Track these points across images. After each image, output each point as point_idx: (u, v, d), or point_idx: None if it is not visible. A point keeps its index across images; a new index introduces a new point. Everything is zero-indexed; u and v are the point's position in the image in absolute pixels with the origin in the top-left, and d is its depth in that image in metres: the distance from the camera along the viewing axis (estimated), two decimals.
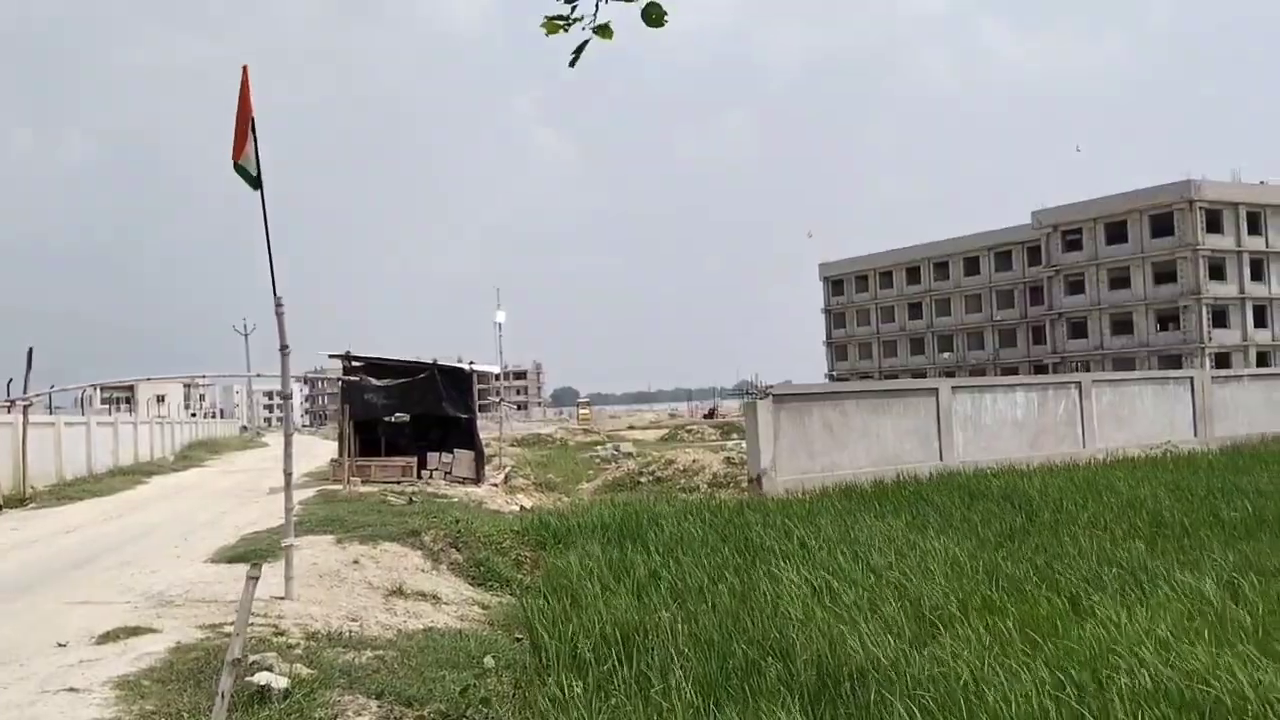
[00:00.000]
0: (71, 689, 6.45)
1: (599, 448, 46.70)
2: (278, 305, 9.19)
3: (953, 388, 21.52)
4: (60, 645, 7.79)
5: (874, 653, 7.01)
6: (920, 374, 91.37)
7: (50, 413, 29.97)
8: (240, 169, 9.25)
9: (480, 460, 26.36)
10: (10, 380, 23.44)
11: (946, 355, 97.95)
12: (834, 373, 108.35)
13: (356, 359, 26.76)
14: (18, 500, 22.62)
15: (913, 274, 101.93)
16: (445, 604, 10.46)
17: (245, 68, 9.02)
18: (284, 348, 9.35)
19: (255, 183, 9.26)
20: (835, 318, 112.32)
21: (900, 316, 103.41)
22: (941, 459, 20.22)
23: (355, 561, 11.82)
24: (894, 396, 20.95)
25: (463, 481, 24.87)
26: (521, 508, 21.47)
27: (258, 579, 4.77)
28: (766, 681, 6.75)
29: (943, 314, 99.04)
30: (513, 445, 46.98)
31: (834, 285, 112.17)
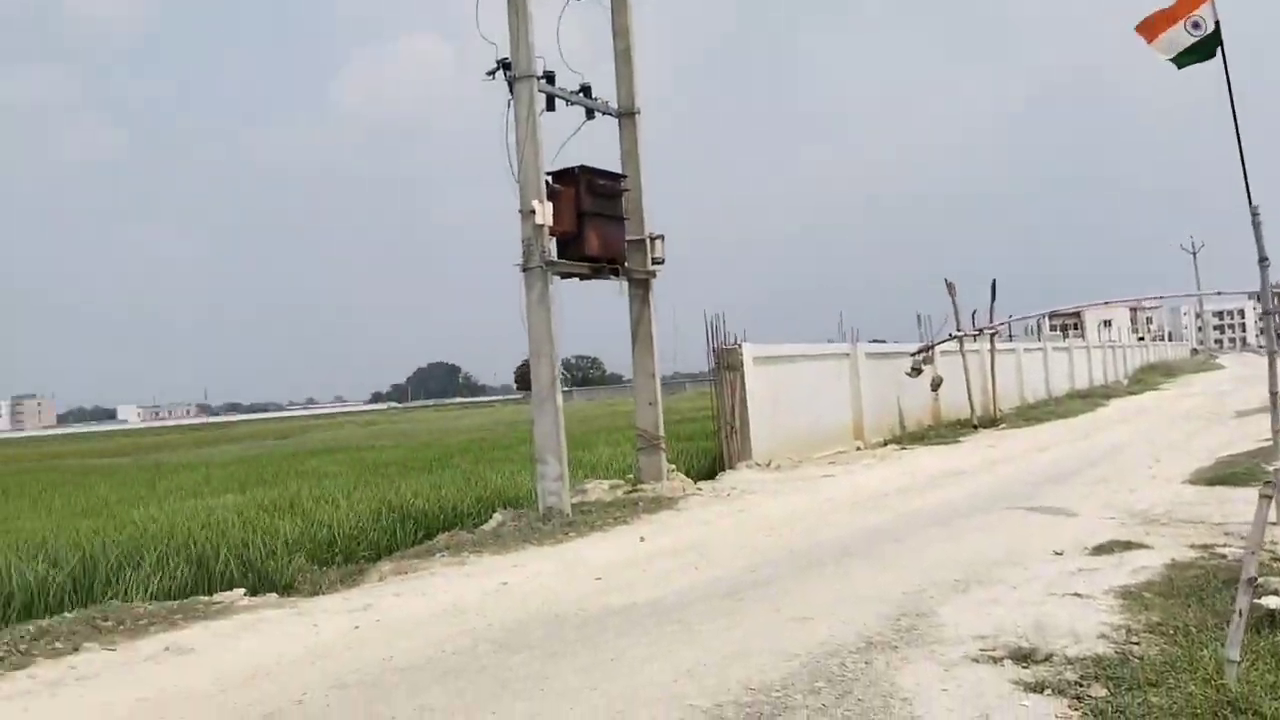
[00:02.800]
0: (1076, 594, 6.97)
1: None
2: (1254, 214, 8.68)
3: None
4: (1056, 554, 8.45)
5: None
6: None
7: (1009, 340, 32.17)
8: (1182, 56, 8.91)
9: None
10: (975, 311, 25.77)
11: None
12: None
13: None
14: (989, 421, 24.88)
15: None
16: None
17: None
18: (1263, 260, 8.79)
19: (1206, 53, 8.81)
20: None
21: None
22: None
23: None
24: None
25: None
26: None
27: (1270, 498, 4.63)
28: None
29: None
30: None
31: None
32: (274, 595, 8.78)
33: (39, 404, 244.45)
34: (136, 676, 6.33)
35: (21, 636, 7.14)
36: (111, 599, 8.42)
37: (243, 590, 8.79)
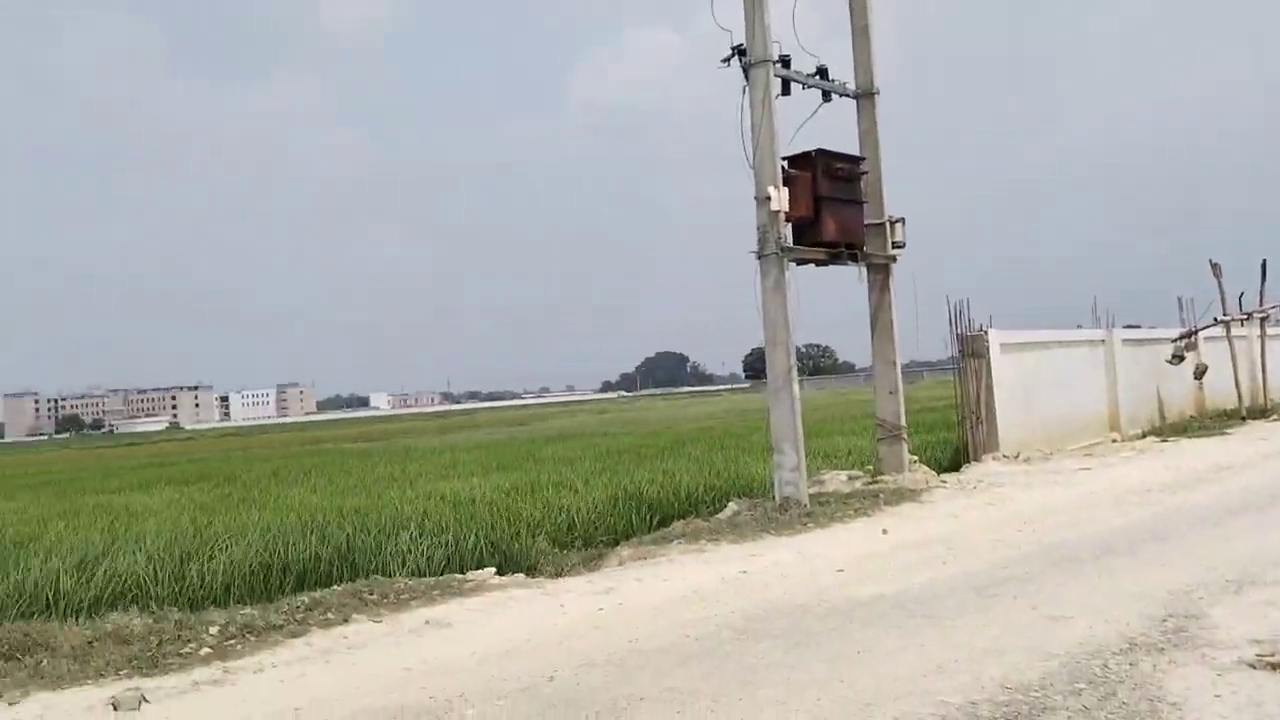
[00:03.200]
0: None
1: None
2: None
3: None
4: None
5: None
6: None
7: None
8: None
9: None
10: (1243, 293, 23.71)
11: None
12: None
13: None
14: (1259, 412, 22.89)
15: None
16: None
17: None
18: None
19: None
20: None
21: None
22: None
23: None
24: None
25: None
26: None
27: None
28: None
29: None
30: None
31: None
32: (521, 575, 9.10)
33: (301, 392, 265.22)
34: (401, 648, 6.70)
35: (298, 606, 7.70)
36: (374, 574, 8.95)
37: (493, 569, 9.15)
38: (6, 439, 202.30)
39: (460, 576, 8.81)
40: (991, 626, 6.32)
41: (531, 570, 9.52)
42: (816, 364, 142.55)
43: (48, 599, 8.54)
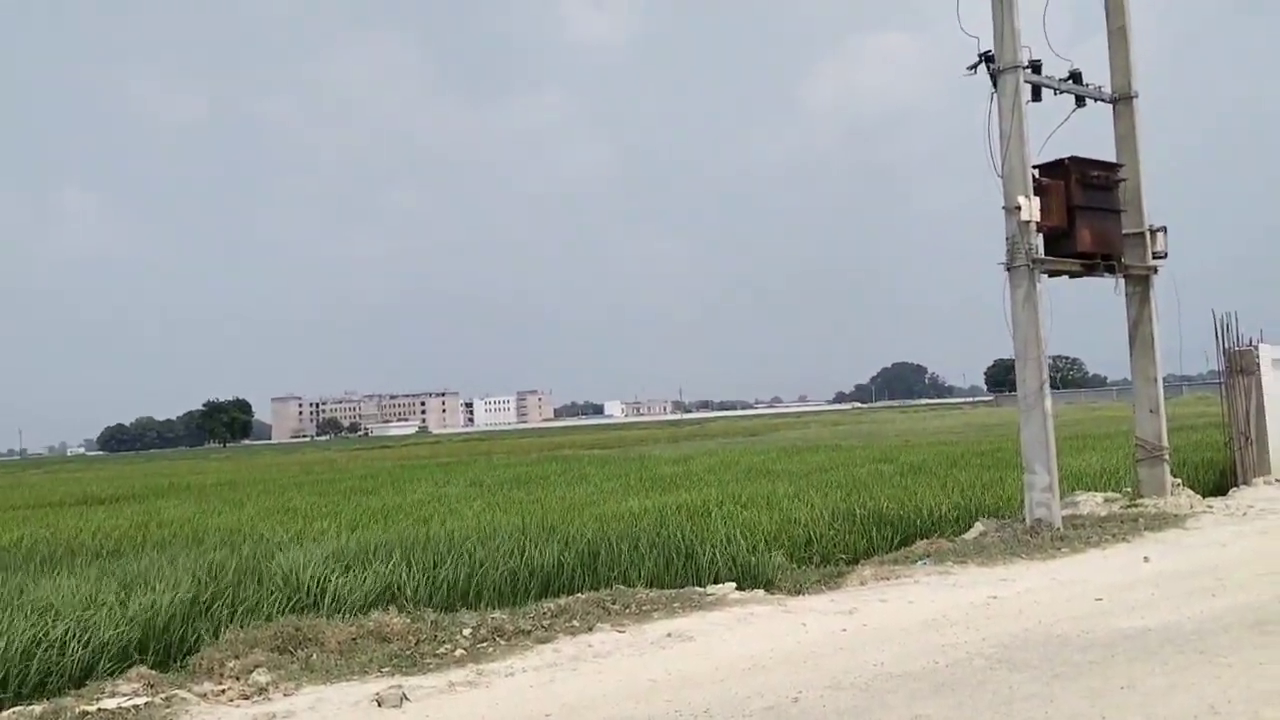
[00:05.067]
0: None
1: None
2: None
3: None
4: None
5: None
6: None
7: None
8: None
9: None
10: None
11: None
12: None
13: None
14: None
15: None
16: None
17: None
18: None
19: None
20: None
21: None
22: None
23: None
24: None
25: None
26: None
27: None
28: None
29: None
30: None
31: None
32: (760, 591, 9.09)
33: (539, 399, 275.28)
34: (645, 659, 6.83)
35: (544, 613, 7.98)
36: (616, 583, 9.17)
37: (733, 584, 9.19)
38: (273, 440, 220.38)
39: (700, 590, 8.89)
40: (1271, 666, 5.86)
41: (769, 586, 9.48)
42: (1065, 377, 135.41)
43: (315, 597, 9.16)
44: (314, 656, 7.13)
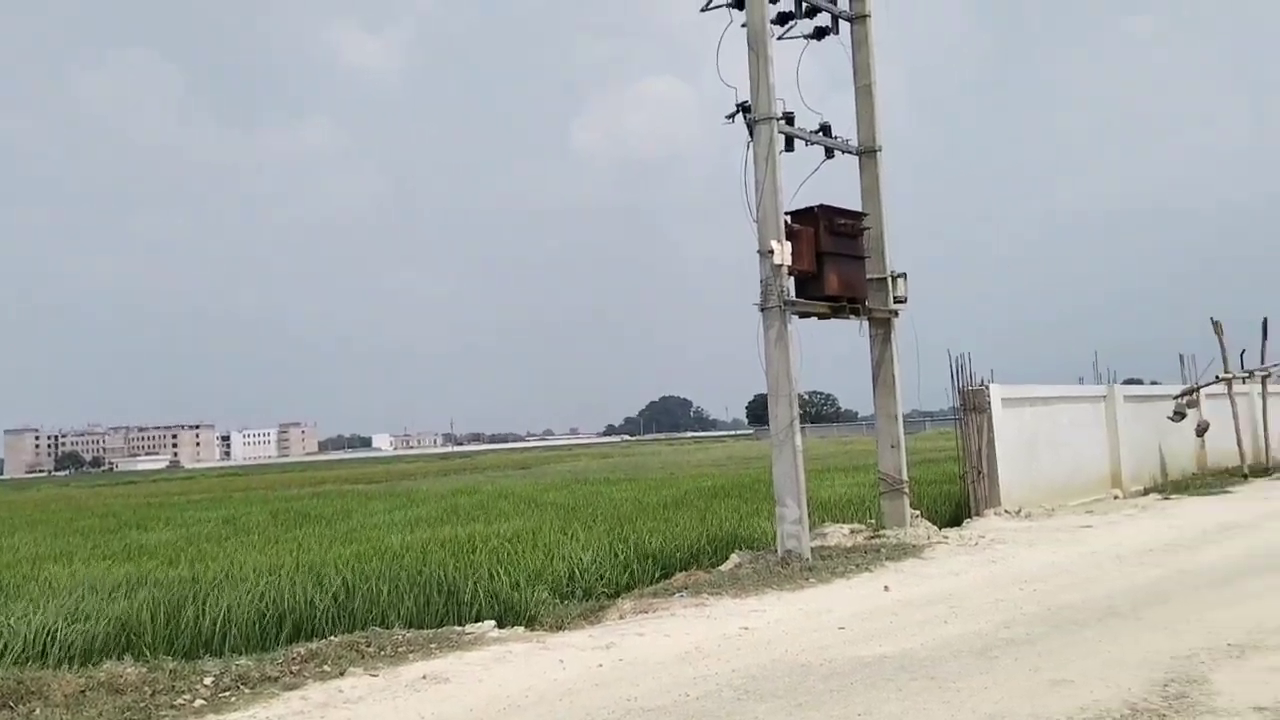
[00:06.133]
0: None
1: None
2: None
3: None
4: None
5: None
6: None
7: None
8: None
9: None
10: (1244, 351, 23.75)
11: None
12: None
13: None
14: (1261, 470, 22.86)
15: None
16: None
17: None
18: None
19: None
20: None
21: None
22: None
23: None
24: None
25: None
26: None
27: None
28: None
29: None
30: None
31: None
32: (521, 629, 9.05)
33: (303, 431, 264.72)
34: (397, 702, 6.65)
35: (294, 658, 7.65)
36: (372, 624, 8.91)
37: (493, 622, 9.11)
38: (6, 475, 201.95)
39: (459, 629, 8.77)
40: (994, 690, 6.28)
41: (532, 622, 9.47)
42: (819, 411, 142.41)
43: (43, 645, 8.48)
44: (38, 711, 6.58)
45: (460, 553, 12.52)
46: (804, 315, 12.82)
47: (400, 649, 7.94)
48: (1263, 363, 23.75)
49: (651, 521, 15.17)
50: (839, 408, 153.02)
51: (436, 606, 9.66)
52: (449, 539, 14.13)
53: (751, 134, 12.28)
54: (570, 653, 7.83)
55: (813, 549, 12.03)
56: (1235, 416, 22.81)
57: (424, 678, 7.20)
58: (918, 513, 14.56)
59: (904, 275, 14.15)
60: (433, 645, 8.06)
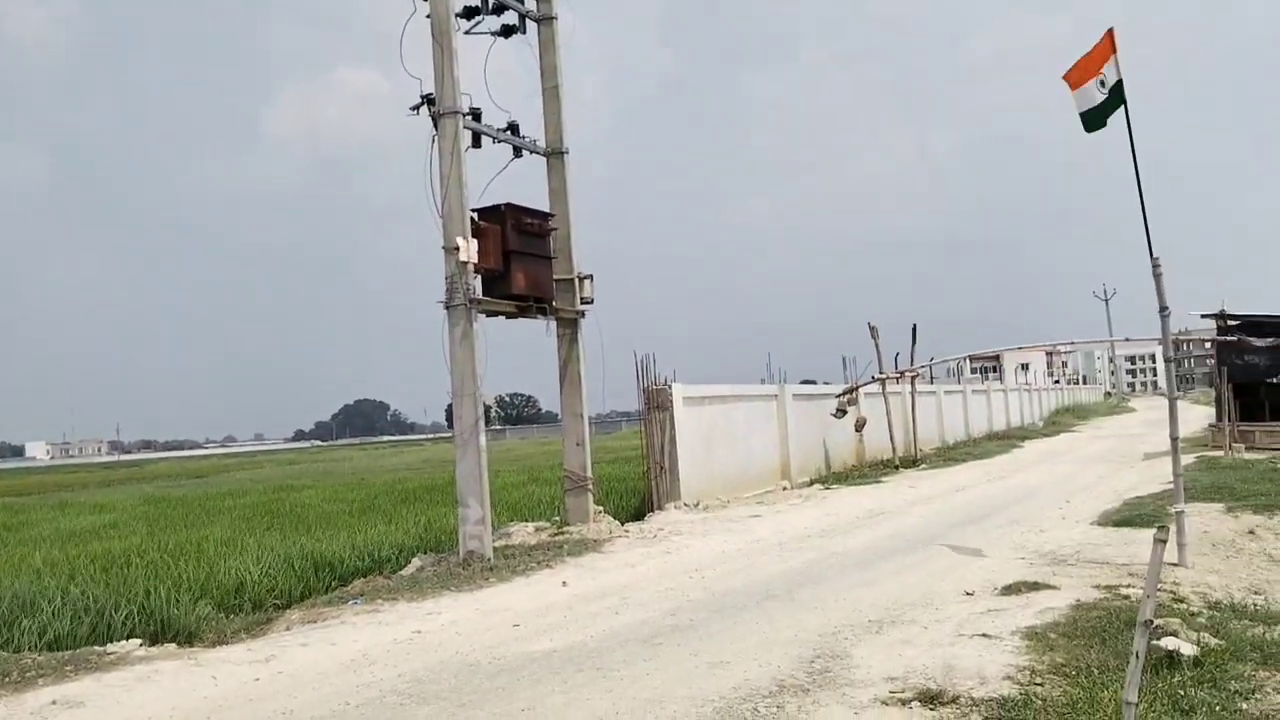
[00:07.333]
0: (984, 634, 7.06)
1: None
2: (1155, 266, 8.93)
3: None
4: (968, 594, 8.55)
5: None
6: None
7: (930, 382, 32.72)
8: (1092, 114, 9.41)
9: None
10: (898, 354, 26.18)
11: None
12: None
13: (1232, 318, 24.91)
14: (910, 461, 25.22)
15: None
16: None
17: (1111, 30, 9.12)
18: (1164, 309, 9.05)
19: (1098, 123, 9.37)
20: None
21: None
22: None
23: (1250, 532, 11.06)
24: None
25: None
26: None
27: (1165, 542, 4.71)
28: None
29: None
30: None
31: None
32: (173, 645, 8.47)
33: None
34: None
35: None
36: (3, 649, 8.06)
37: (139, 640, 8.46)
38: None
39: (100, 649, 8.07)
40: (655, 676, 6.52)
41: (191, 639, 8.88)
42: (520, 413, 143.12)
43: None
44: None
45: (114, 568, 11.57)
46: (491, 314, 12.83)
47: (29, 674, 7.21)
48: (912, 364, 26.22)
49: (333, 529, 14.69)
50: (540, 409, 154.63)
51: (83, 627, 8.86)
52: (102, 554, 13.02)
53: (436, 127, 12.13)
54: (225, 668, 7.41)
55: (496, 548, 12.06)
56: (889, 413, 25.05)
57: (54, 703, 6.59)
58: (600, 509, 14.92)
59: (590, 277, 14.46)
60: (68, 668, 7.39)
